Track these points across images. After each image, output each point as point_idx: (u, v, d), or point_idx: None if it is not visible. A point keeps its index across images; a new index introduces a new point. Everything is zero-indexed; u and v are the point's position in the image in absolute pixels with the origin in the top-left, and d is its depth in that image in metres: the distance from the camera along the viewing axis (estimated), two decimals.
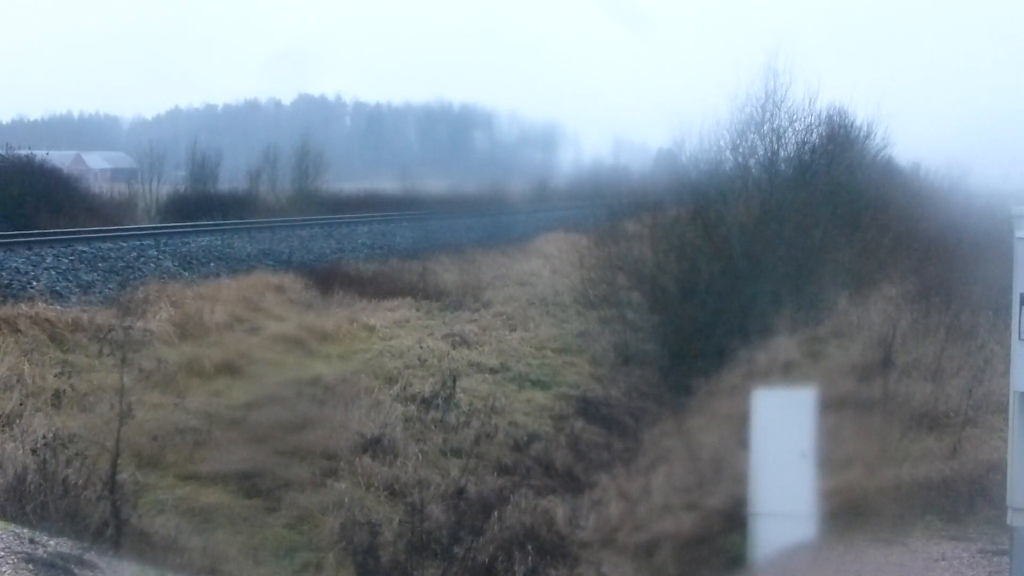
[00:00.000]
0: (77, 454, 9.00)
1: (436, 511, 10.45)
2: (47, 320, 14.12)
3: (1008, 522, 6.05)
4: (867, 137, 24.26)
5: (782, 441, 9.63)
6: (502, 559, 9.78)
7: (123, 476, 9.11)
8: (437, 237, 30.07)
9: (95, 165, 72.09)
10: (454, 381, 14.60)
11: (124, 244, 20.52)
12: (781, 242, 18.60)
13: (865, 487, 10.02)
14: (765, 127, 20.83)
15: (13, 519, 7.21)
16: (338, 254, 25.63)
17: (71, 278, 17.07)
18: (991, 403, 11.63)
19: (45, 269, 17.02)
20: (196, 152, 42.80)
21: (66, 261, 17.91)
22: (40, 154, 33.98)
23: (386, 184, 46.11)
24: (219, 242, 23.14)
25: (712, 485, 11.15)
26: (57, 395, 11.61)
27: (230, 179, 43.17)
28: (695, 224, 19.90)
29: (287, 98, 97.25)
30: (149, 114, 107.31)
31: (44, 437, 9.21)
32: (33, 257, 17.53)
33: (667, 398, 15.89)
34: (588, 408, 15.74)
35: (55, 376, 12.11)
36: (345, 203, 38.01)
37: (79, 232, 21.57)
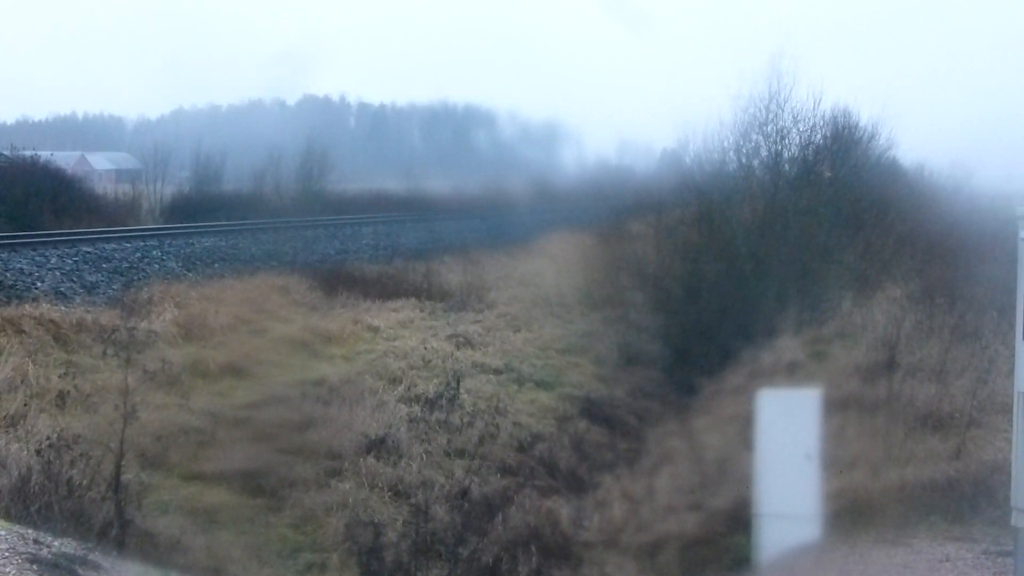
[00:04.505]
0: (81, 455, 8.99)
1: (440, 512, 10.47)
2: (51, 321, 14.14)
3: (1012, 523, 6.05)
4: (871, 138, 24.29)
5: (787, 442, 9.62)
6: (506, 560, 9.79)
7: (127, 476, 9.13)
8: (441, 238, 30.05)
9: (99, 166, 72.17)
10: (458, 382, 14.59)
11: (128, 245, 20.50)
12: (785, 243, 18.62)
13: (870, 488, 10.02)
14: (769, 127, 20.85)
15: (17, 520, 7.23)
16: (342, 255, 25.59)
17: (75, 279, 17.06)
18: (995, 404, 11.64)
19: (49, 270, 17.01)
20: (200, 153, 42.72)
21: (70, 262, 17.89)
22: (44, 155, 34.04)
23: (390, 185, 46.11)
24: (223, 243, 23.11)
25: (716, 486, 11.16)
26: (61, 396, 11.60)
27: (234, 180, 43.05)
28: (699, 225, 19.96)
29: (291, 99, 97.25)
30: (153, 115, 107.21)
31: (48, 438, 9.23)
32: (37, 258, 17.52)
33: (671, 398, 15.90)
34: (592, 409, 15.72)
35: (59, 377, 12.10)
36: (349, 204, 37.90)
37: (83, 233, 21.56)
